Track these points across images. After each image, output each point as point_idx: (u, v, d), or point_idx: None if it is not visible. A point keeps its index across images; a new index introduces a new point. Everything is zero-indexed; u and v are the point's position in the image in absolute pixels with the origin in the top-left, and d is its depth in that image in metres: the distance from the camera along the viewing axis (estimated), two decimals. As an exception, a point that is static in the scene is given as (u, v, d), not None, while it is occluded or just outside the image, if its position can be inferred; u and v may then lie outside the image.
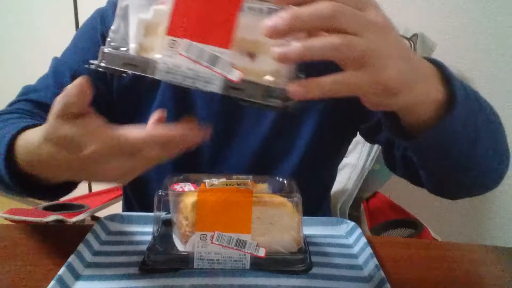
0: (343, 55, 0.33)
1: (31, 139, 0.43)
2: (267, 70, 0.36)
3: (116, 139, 0.37)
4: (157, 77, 0.36)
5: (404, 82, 0.36)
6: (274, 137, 0.67)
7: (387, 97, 0.37)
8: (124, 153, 0.38)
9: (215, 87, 0.35)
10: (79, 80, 0.37)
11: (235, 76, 0.35)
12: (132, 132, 0.38)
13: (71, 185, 0.53)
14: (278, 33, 0.33)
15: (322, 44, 0.33)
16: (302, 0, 0.33)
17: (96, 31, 0.68)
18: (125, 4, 0.39)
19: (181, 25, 0.36)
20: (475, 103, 0.46)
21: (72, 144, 0.38)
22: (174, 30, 0.36)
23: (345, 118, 0.67)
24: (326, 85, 0.34)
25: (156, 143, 0.38)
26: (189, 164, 0.68)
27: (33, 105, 0.63)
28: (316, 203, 0.76)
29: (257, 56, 0.36)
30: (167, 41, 0.36)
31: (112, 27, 0.39)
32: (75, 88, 0.37)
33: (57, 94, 0.66)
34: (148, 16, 0.38)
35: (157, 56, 0.36)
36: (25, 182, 0.48)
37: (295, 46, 0.33)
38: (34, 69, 0.70)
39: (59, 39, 0.91)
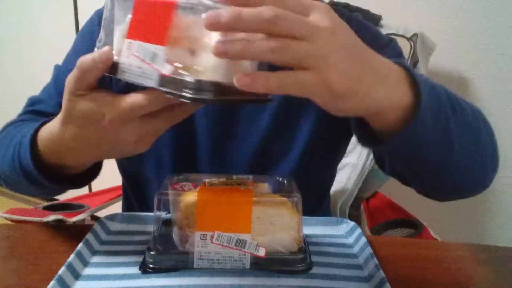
0: (281, 58, 0.34)
1: (52, 127, 0.47)
2: (206, 66, 0.37)
3: (126, 104, 0.41)
4: (117, 76, 0.41)
5: (350, 85, 0.36)
6: (272, 137, 0.67)
7: (337, 99, 0.37)
8: (136, 117, 0.42)
9: (153, 82, 0.38)
10: (104, 49, 0.41)
11: (167, 70, 0.37)
12: (138, 95, 0.41)
13: (95, 172, 0.55)
14: (216, 26, 0.33)
15: (260, 46, 0.34)
16: (248, 2, 0.34)
17: (94, 33, 0.68)
18: (107, 17, 0.43)
19: (135, 29, 0.40)
20: (447, 108, 0.45)
21: (90, 118, 0.42)
22: (131, 33, 0.40)
23: (339, 117, 0.67)
24: (273, 79, 0.34)
25: (160, 101, 0.41)
26: (188, 164, 0.68)
27: (39, 116, 0.64)
28: (316, 202, 0.76)
29: (197, 53, 0.38)
30: (126, 43, 0.40)
31: (98, 38, 0.44)
32: (102, 55, 0.41)
33: (60, 103, 0.68)
34: (124, 25, 0.42)
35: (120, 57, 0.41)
36: (51, 176, 0.51)
37: (235, 44, 0.34)
38: (34, 69, 0.71)
39: (59, 39, 0.91)
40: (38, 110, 0.66)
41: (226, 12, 0.33)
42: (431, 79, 0.46)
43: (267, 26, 0.33)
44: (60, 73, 0.69)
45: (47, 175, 0.51)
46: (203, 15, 0.33)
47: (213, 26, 0.33)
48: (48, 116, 0.64)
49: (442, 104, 0.44)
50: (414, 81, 0.41)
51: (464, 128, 0.46)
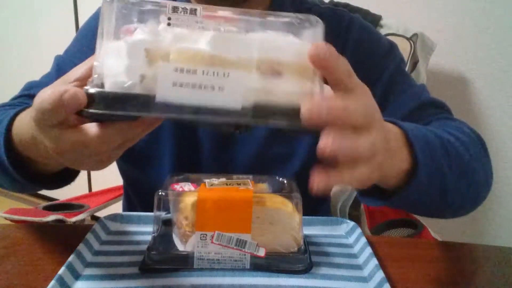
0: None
1: (23, 117, 0.45)
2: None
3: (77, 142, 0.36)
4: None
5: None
6: (275, 140, 0.67)
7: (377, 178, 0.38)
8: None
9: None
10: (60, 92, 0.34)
11: None
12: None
13: (71, 175, 0.53)
14: (314, 120, 0.32)
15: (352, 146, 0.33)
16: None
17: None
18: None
19: None
20: (442, 160, 0.47)
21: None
22: None
23: None
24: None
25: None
26: (190, 169, 0.68)
27: None
28: (318, 204, 0.76)
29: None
30: None
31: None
32: (53, 100, 0.34)
33: None
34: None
35: None
36: (26, 171, 0.49)
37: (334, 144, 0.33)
38: (34, 69, 0.71)
39: (59, 39, 0.91)
40: (34, 94, 0.65)
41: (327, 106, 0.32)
42: (425, 131, 0.48)
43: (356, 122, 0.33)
44: (62, 62, 0.69)
45: (21, 168, 0.48)
46: (305, 110, 0.32)
47: (312, 120, 0.32)
48: None
49: (437, 160, 0.46)
50: (411, 145, 0.43)
51: (458, 171, 0.49)
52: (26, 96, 0.65)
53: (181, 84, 0.32)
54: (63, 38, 0.74)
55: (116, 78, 0.32)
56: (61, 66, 0.68)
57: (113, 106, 0.32)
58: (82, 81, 0.36)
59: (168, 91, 0.31)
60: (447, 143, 0.49)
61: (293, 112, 0.32)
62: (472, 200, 0.55)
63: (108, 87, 0.32)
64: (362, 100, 0.34)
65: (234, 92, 0.32)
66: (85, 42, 0.70)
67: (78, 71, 0.37)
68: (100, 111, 0.32)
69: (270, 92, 0.33)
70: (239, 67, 0.33)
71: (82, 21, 0.93)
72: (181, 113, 0.32)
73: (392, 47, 0.70)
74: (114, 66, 0.33)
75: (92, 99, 0.32)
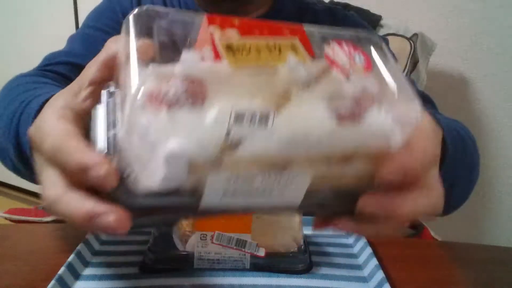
0: None
1: None
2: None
3: None
4: None
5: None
6: None
7: None
8: None
9: None
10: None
11: None
12: None
13: None
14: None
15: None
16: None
17: (115, 12, 0.69)
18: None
19: None
20: (462, 150, 0.48)
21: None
22: None
23: None
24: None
25: None
26: None
27: (75, 70, 0.62)
28: None
29: None
30: None
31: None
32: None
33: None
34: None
35: None
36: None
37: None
38: (34, 67, 0.70)
39: (59, 39, 0.91)
40: (76, 63, 0.64)
41: None
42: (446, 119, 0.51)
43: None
44: (89, 38, 0.69)
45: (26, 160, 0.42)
46: None
47: None
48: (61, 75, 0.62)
49: (459, 149, 0.46)
50: (444, 139, 0.42)
51: (470, 164, 0.52)
52: (64, 64, 0.64)
53: (234, 192, 0.26)
54: (63, 38, 0.74)
55: (150, 183, 0.24)
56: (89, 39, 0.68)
57: (150, 213, 0.27)
58: (98, 84, 0.31)
59: (216, 200, 0.26)
60: (462, 134, 0.50)
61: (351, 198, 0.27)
62: (465, 199, 0.56)
63: (140, 190, 0.24)
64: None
65: (295, 195, 0.27)
66: (104, 21, 0.70)
67: (91, 71, 0.31)
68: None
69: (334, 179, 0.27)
70: (305, 165, 0.26)
71: (82, 19, 0.92)
72: (228, 213, 0.28)
73: (384, 42, 0.71)
74: (145, 163, 0.24)
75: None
